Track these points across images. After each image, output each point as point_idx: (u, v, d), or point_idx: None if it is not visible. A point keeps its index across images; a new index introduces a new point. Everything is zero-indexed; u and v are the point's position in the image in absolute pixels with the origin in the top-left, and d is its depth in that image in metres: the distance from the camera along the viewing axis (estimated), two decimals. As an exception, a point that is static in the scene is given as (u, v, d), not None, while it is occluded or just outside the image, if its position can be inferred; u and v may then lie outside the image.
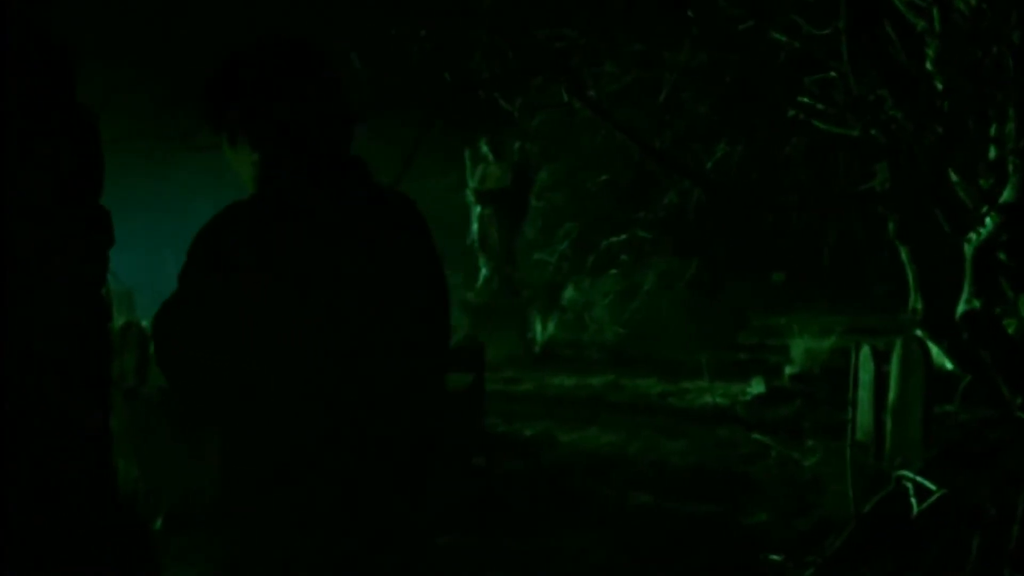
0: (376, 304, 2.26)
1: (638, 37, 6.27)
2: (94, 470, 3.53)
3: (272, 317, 2.18)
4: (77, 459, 3.37)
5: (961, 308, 6.34)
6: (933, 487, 5.01)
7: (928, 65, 5.63)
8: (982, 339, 6.27)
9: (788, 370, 10.73)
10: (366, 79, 6.19)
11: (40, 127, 3.16)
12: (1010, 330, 6.72)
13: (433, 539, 2.56)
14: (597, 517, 6.60)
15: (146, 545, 4.76)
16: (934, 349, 7.67)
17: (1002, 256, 6.05)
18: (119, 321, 9.54)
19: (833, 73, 5.37)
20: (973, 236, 6.25)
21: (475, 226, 13.75)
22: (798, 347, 10.88)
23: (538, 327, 13.95)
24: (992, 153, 6.27)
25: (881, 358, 7.82)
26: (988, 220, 6.17)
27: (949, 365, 8.73)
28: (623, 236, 10.15)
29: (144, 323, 9.58)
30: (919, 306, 7.43)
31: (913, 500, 4.72)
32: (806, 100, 5.63)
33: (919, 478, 4.72)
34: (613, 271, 14.22)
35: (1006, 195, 6.15)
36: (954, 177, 6.26)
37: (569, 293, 15.90)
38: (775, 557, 5.34)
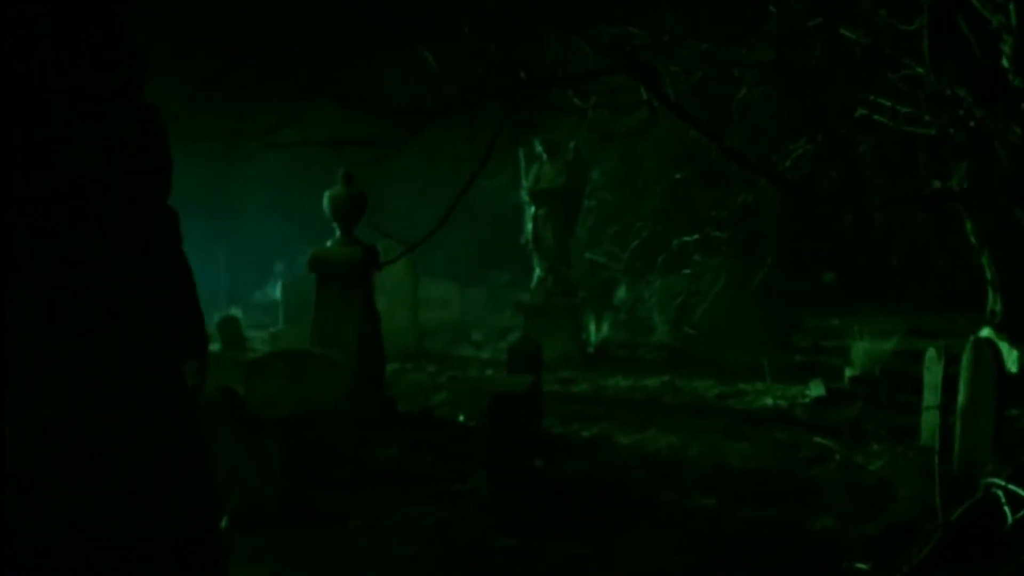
0: None
1: (705, 35, 6.20)
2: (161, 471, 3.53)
3: None
4: (145, 459, 3.37)
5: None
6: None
7: (1004, 62, 5.50)
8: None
9: (848, 372, 10.58)
10: (440, 78, 6.17)
11: (109, 128, 3.15)
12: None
13: None
14: (660, 520, 6.53)
15: (212, 545, 4.75)
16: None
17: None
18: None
19: (918, 70, 5.25)
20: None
21: (529, 226, 13.69)
22: (858, 349, 10.72)
23: (592, 327, 13.87)
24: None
25: (948, 361, 7.69)
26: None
27: (1014, 368, 8.56)
28: (681, 237, 10.05)
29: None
30: (998, 308, 7.28)
31: (1007, 509, 4.58)
32: (884, 101, 5.51)
33: (1011, 486, 4.58)
34: (671, 271, 14.11)
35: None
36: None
37: (622, 293, 15.81)
38: (861, 565, 5.23)
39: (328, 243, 9.34)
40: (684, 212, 11.28)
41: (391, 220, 12.71)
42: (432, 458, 7.86)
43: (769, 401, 10.27)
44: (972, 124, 5.18)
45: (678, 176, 9.48)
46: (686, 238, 8.88)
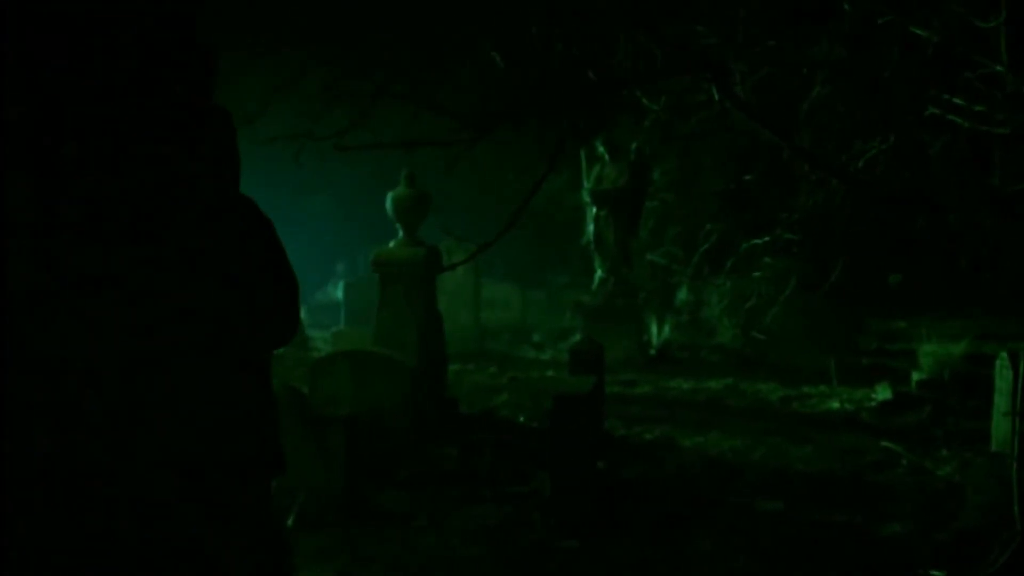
0: None
1: (774, 33, 6.12)
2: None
3: None
4: (212, 458, 3.39)
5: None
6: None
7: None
8: None
9: (916, 376, 10.41)
10: (508, 78, 6.15)
11: (176, 130, 3.17)
12: None
13: None
14: (725, 523, 6.47)
15: (279, 542, 4.78)
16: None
17: None
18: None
19: (997, 68, 5.14)
20: None
21: (591, 227, 13.65)
22: (926, 352, 10.54)
23: (653, 329, 13.80)
24: None
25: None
26: None
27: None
28: (749, 239, 9.94)
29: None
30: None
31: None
32: (958, 100, 5.40)
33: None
34: (731, 272, 13.99)
35: None
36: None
37: (683, 295, 15.71)
38: (936, 573, 5.14)
39: (391, 244, 9.37)
40: (749, 214, 11.16)
41: (454, 220, 12.73)
42: (494, 459, 7.85)
43: (834, 405, 10.14)
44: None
45: (747, 177, 9.37)
46: (755, 240, 8.78)
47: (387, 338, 8.94)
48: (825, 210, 7.15)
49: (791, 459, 8.12)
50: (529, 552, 5.96)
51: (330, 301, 19.20)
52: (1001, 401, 7.89)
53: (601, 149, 13.32)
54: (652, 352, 13.30)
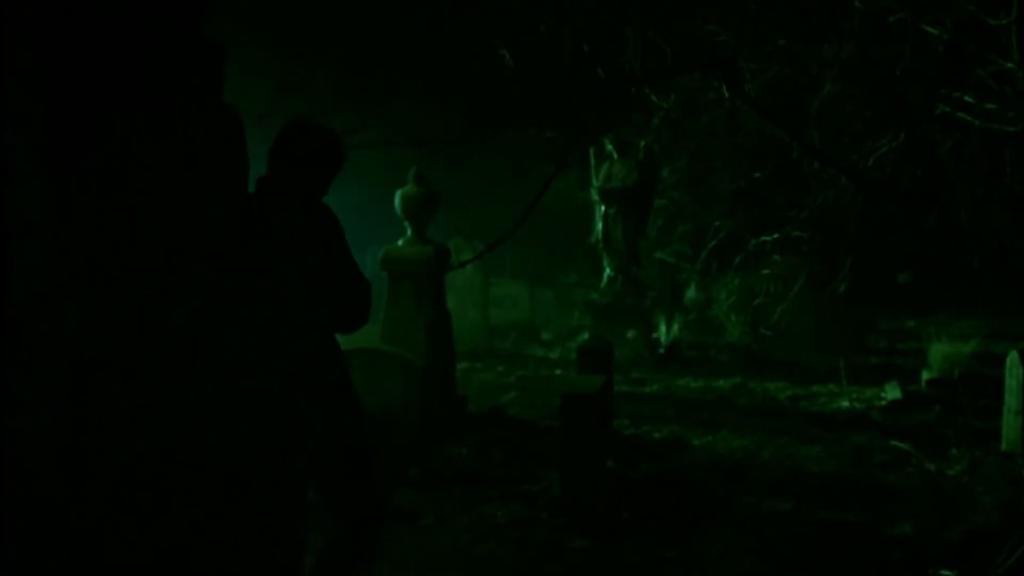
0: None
1: (784, 32, 6.10)
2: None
3: None
4: (225, 455, 3.39)
5: None
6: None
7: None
8: None
9: (925, 375, 10.38)
10: (517, 76, 6.15)
11: (186, 126, 3.17)
12: None
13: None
14: (735, 522, 6.45)
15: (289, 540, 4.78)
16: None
17: None
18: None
19: (1008, 65, 5.12)
20: None
21: (599, 225, 13.61)
22: (936, 351, 10.51)
23: (662, 328, 13.77)
24: None
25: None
26: None
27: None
28: (759, 237, 9.93)
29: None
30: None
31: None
32: (968, 98, 5.38)
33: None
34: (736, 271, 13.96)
35: None
36: None
37: (691, 293, 15.69)
38: (947, 573, 5.11)
39: (399, 242, 9.36)
40: (759, 212, 11.13)
41: (462, 218, 12.71)
42: (502, 458, 7.85)
43: (844, 404, 10.12)
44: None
45: (757, 175, 9.35)
46: (765, 238, 8.76)
47: (395, 336, 8.93)
48: (835, 208, 7.14)
49: (800, 458, 8.10)
50: (538, 551, 5.95)
51: (339, 299, 19.18)
52: (1011, 400, 7.86)
53: (610, 147, 13.29)
54: (661, 351, 13.28)
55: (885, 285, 16.33)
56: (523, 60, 6.23)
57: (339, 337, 4.40)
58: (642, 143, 13.27)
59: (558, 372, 12.26)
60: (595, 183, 13.61)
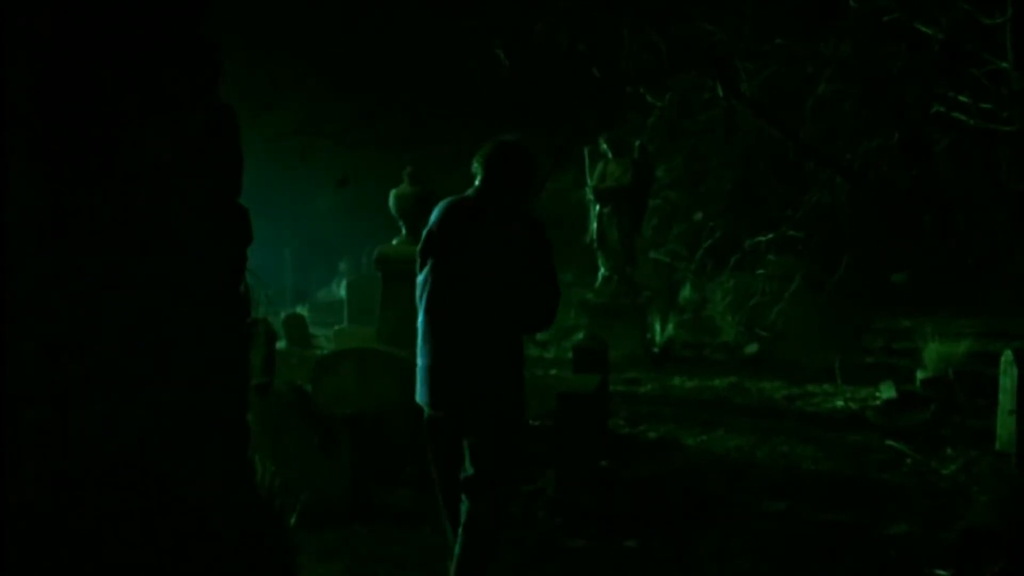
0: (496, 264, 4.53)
1: (780, 31, 6.09)
2: (234, 468, 3.54)
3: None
4: (218, 457, 3.38)
5: None
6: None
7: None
8: None
9: (920, 374, 10.38)
10: (513, 76, 6.14)
11: (180, 125, 3.16)
12: None
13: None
14: (731, 523, 6.45)
15: (282, 541, 4.77)
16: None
17: None
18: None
19: (1002, 64, 5.12)
20: None
21: (594, 225, 13.60)
22: (930, 351, 10.50)
23: (657, 327, 13.77)
24: None
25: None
26: None
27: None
28: (754, 236, 9.93)
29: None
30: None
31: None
32: (963, 98, 5.38)
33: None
34: (731, 271, 13.96)
35: None
36: None
37: (686, 293, 15.69)
38: (942, 572, 5.12)
39: (394, 241, 9.36)
40: (754, 211, 11.14)
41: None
42: (499, 457, 7.82)
43: (839, 403, 10.12)
44: (1057, 121, 5.06)
45: (753, 175, 9.35)
46: (760, 238, 8.76)
47: (390, 336, 8.93)
48: (830, 208, 7.14)
49: (796, 458, 8.10)
50: (535, 551, 5.94)
51: (333, 299, 19.19)
52: (1006, 400, 7.86)
53: (605, 147, 13.27)
54: (656, 350, 13.27)
55: (880, 284, 16.34)
56: (519, 59, 6.22)
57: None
58: (637, 143, 13.25)
59: (554, 372, 12.25)
60: (590, 183, 13.59)
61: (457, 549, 4.61)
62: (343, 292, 17.44)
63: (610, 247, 13.36)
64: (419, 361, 4.72)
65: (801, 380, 11.32)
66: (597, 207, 13.49)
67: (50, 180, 2.73)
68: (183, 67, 3.19)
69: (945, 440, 8.17)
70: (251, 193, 3.88)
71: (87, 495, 2.86)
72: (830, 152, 6.11)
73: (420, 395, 4.73)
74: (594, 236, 13.64)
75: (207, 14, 3.34)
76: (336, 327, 15.22)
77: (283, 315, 15.41)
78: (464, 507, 4.60)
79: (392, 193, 9.33)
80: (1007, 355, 7.90)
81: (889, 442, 8.29)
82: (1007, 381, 7.84)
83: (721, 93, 5.56)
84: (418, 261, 4.76)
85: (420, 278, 4.71)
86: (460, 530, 4.61)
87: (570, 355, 9.29)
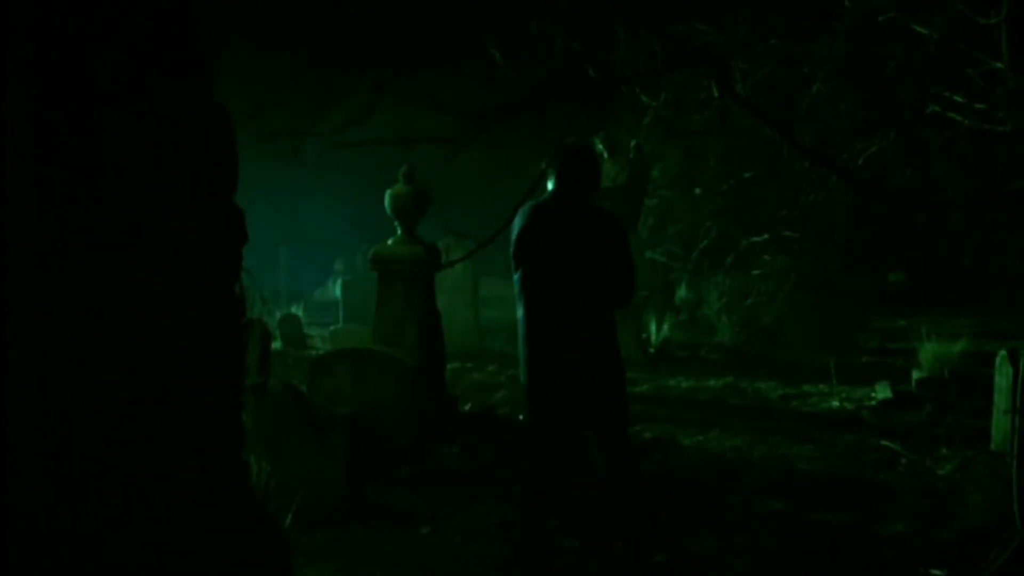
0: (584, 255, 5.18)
1: (775, 30, 6.10)
2: (228, 468, 3.53)
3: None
4: (212, 457, 3.37)
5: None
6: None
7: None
8: None
9: (916, 374, 10.38)
10: (508, 75, 6.15)
11: (176, 126, 3.15)
12: None
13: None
14: (727, 523, 6.45)
15: (277, 541, 4.76)
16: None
17: None
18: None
19: (996, 64, 5.13)
20: None
21: (590, 225, 13.59)
22: (926, 351, 10.50)
23: (652, 327, 13.76)
24: None
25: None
26: None
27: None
28: (750, 237, 9.93)
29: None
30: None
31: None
32: (958, 98, 5.39)
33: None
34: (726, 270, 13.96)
35: None
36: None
37: (682, 293, 15.68)
38: (937, 572, 5.12)
39: (389, 241, 9.34)
40: (750, 211, 11.14)
41: (453, 217, 12.68)
42: (494, 457, 7.83)
43: (834, 403, 10.12)
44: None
45: (748, 175, 9.35)
46: (755, 238, 8.76)
47: (386, 336, 8.92)
48: (825, 207, 7.15)
49: (791, 458, 8.11)
50: (528, 550, 5.93)
51: (329, 299, 19.16)
52: (1001, 399, 7.87)
53: (600, 146, 13.26)
54: (652, 351, 13.27)
55: (876, 284, 16.36)
56: (514, 59, 6.23)
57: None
58: (632, 142, 13.26)
59: (549, 372, 12.22)
60: (586, 182, 13.56)
61: (614, 498, 5.48)
62: (339, 292, 17.41)
63: (606, 247, 13.33)
64: (522, 350, 5.36)
65: (797, 380, 11.32)
66: (592, 207, 13.47)
67: (45, 184, 2.73)
68: (177, 67, 3.18)
69: (940, 440, 8.17)
70: (246, 193, 3.88)
71: (82, 495, 2.86)
72: (825, 152, 6.12)
73: (529, 375, 5.39)
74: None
75: (201, 13, 3.34)
76: (332, 327, 15.20)
77: (278, 315, 15.39)
78: (603, 464, 5.42)
79: (388, 192, 9.31)
80: (1002, 355, 7.90)
81: (884, 442, 8.30)
82: (1002, 381, 7.84)
83: (716, 93, 5.57)
84: (512, 263, 5.37)
85: (516, 277, 5.32)
86: (612, 485, 5.44)
87: (566, 355, 9.25)
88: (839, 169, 6.06)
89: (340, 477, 6.46)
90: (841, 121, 6.73)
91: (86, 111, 2.83)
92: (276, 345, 12.90)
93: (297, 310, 17.14)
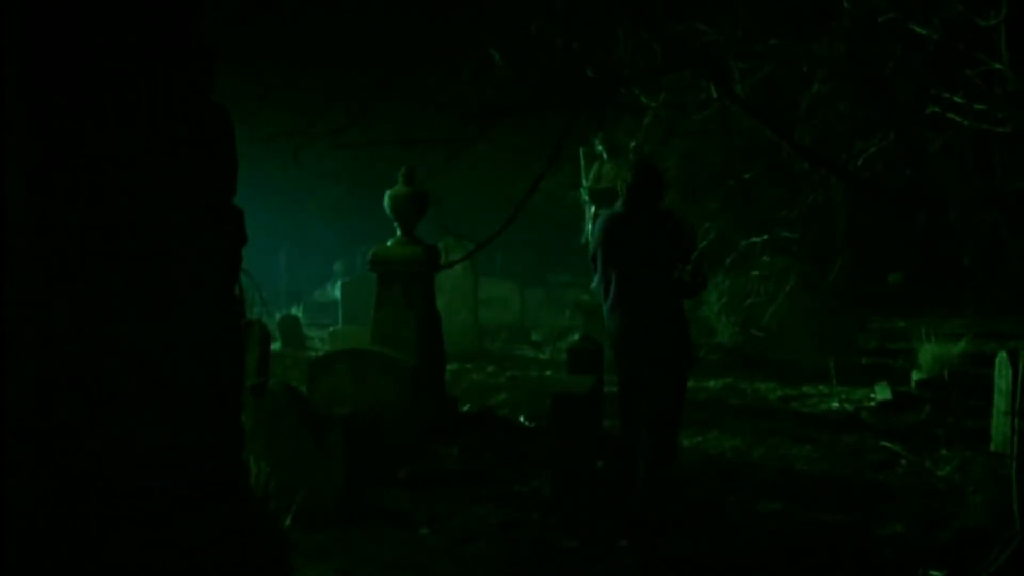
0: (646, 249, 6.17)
1: (775, 30, 6.10)
2: (228, 469, 3.53)
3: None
4: (212, 457, 3.37)
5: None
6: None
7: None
8: None
9: (915, 375, 10.38)
10: (508, 76, 6.15)
11: (175, 127, 3.15)
12: None
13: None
14: (727, 524, 6.45)
15: (277, 542, 4.77)
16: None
17: None
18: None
19: (995, 65, 5.13)
20: None
21: (589, 226, 13.59)
22: (926, 352, 10.49)
23: (652, 328, 13.73)
24: None
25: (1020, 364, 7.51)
26: None
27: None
28: (749, 237, 9.92)
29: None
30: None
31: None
32: (957, 99, 5.38)
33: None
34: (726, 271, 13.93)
35: None
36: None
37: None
38: (936, 573, 5.12)
39: (389, 242, 9.34)
40: (750, 212, 11.14)
41: (452, 218, 12.68)
42: (493, 458, 7.84)
43: (834, 404, 10.12)
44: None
45: (747, 176, 9.34)
46: (755, 239, 8.74)
47: (385, 337, 8.91)
48: (825, 208, 7.15)
49: (791, 459, 8.11)
50: (529, 552, 5.94)
51: (328, 300, 19.18)
52: (1001, 400, 7.87)
53: (600, 147, 13.27)
54: (651, 351, 13.22)
55: (875, 285, 16.35)
56: (513, 59, 6.23)
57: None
58: (632, 143, 13.24)
59: (549, 373, 12.25)
60: (585, 183, 13.59)
61: (642, 472, 6.15)
62: (338, 293, 17.42)
63: (606, 248, 13.33)
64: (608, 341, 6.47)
65: (796, 381, 11.32)
66: (592, 208, 13.48)
67: (44, 186, 2.73)
68: (176, 69, 3.18)
69: (940, 441, 8.17)
70: (245, 194, 3.88)
71: (82, 495, 2.86)
72: (825, 152, 6.12)
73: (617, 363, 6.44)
74: (589, 237, 13.61)
75: (200, 15, 3.34)
76: (331, 328, 15.22)
77: (278, 316, 15.41)
78: (646, 439, 6.16)
79: (387, 193, 9.30)
80: (1002, 356, 7.90)
81: (884, 443, 8.30)
82: (1002, 382, 7.84)
83: (715, 94, 5.57)
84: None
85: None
86: (642, 457, 6.15)
87: (565, 356, 9.27)
88: (839, 169, 6.06)
89: (339, 478, 6.46)
90: (840, 122, 6.73)
91: (86, 111, 2.83)
92: (276, 346, 12.91)
93: (296, 311, 17.15)
